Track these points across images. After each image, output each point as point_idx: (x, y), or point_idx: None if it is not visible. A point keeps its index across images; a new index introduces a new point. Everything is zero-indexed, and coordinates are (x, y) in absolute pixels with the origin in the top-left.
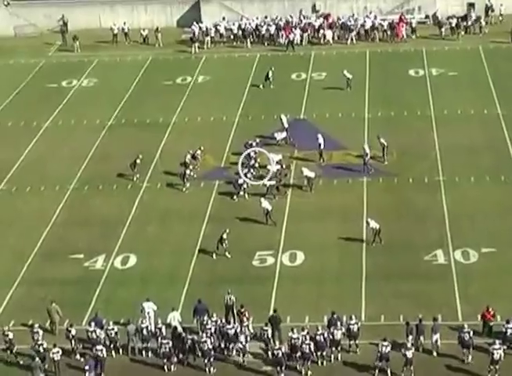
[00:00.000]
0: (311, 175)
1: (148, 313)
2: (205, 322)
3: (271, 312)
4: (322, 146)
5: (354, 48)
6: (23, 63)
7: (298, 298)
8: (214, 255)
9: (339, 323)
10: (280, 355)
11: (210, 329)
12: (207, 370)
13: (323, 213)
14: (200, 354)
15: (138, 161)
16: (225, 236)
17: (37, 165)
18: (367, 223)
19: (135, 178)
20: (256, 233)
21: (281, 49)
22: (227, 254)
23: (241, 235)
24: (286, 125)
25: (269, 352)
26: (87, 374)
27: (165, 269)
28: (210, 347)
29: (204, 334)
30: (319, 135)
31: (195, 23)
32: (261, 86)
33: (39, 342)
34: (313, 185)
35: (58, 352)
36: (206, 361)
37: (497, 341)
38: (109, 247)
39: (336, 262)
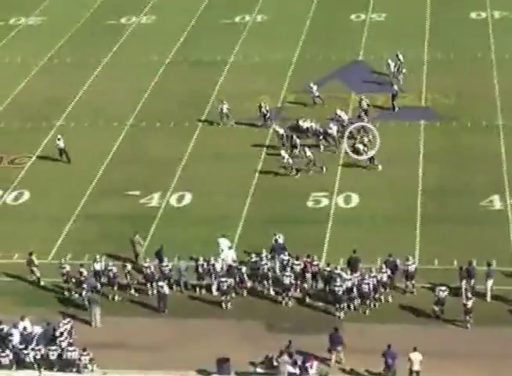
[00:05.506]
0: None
1: (222, 250)
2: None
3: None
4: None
5: None
6: None
7: (352, 240)
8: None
9: (384, 266)
10: (341, 293)
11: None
12: (284, 303)
13: (378, 156)
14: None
15: (224, 109)
16: None
17: (95, 101)
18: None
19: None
20: (311, 176)
21: None
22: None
23: (296, 177)
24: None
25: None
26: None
27: (220, 208)
28: (288, 282)
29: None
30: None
31: None
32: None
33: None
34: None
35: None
36: (284, 294)
37: None
38: (165, 185)
39: (390, 206)
